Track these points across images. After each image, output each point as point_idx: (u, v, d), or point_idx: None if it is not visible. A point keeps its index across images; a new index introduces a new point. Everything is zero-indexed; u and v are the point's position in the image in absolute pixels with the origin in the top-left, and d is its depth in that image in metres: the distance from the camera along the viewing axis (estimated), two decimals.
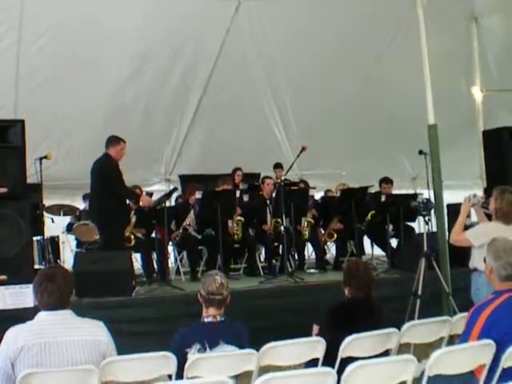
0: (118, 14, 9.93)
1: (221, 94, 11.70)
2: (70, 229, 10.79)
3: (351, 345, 4.33)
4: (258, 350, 4.20)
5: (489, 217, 6.49)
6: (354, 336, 4.34)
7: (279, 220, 9.81)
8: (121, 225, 8.71)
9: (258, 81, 11.79)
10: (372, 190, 10.75)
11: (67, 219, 11.01)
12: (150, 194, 10.75)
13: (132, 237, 9.19)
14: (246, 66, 11.41)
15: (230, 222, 9.97)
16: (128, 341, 5.73)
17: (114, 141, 8.48)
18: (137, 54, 10.56)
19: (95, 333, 3.92)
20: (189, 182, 11.51)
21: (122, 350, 4.10)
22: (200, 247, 10.02)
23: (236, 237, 9.98)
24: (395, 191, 11.17)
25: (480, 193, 10.53)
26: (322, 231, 10.87)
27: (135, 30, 10.26)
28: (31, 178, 8.20)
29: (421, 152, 8.97)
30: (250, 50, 11.18)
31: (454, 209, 7.88)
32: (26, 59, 9.90)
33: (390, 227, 10.18)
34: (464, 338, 4.08)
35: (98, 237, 9.48)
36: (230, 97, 11.73)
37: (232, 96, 11.72)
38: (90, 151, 9.89)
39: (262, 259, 10.71)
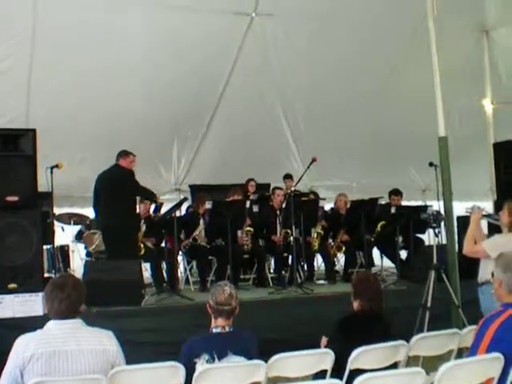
0: (130, 31, 10.01)
1: (233, 106, 11.72)
2: (79, 237, 10.82)
3: (360, 357, 4.32)
4: (266, 361, 4.19)
5: (492, 227, 6.58)
6: (363, 348, 4.33)
7: (289, 231, 9.82)
8: (133, 234, 8.80)
9: (269, 94, 11.80)
10: (382, 202, 10.75)
11: (77, 228, 11.04)
12: (161, 204, 10.78)
13: (142, 246, 9.21)
14: (258, 80, 11.42)
15: (239, 233, 9.98)
16: (136, 350, 5.74)
17: (123, 154, 8.80)
18: (149, 68, 10.57)
19: (104, 342, 3.92)
20: (199, 192, 11.54)
21: (130, 359, 4.10)
22: (210, 257, 10.02)
23: (246, 247, 9.98)
24: (405, 203, 11.17)
25: (490, 204, 10.56)
26: (332, 243, 10.85)
27: (148, 46, 10.30)
28: (42, 187, 8.23)
29: (431, 164, 8.97)
30: (262, 64, 11.19)
31: (464, 221, 7.87)
32: (38, 72, 9.94)
33: (400, 239, 10.16)
34: (473, 350, 4.06)
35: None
36: (241, 109, 11.75)
37: (244, 108, 11.74)
38: (100, 161, 9.93)
39: (272, 270, 10.71)
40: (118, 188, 8.62)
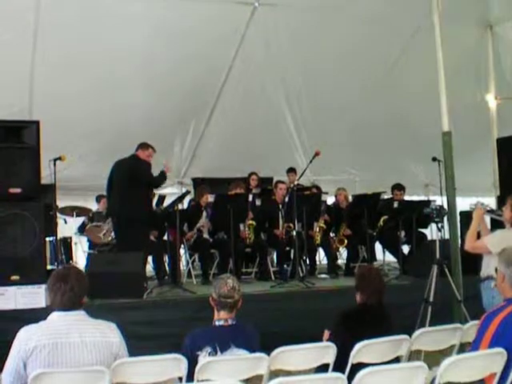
0: (131, 21, 9.95)
1: (235, 98, 11.69)
2: (81, 230, 10.83)
3: (362, 351, 4.33)
4: (268, 354, 4.20)
5: (496, 223, 6.56)
6: (365, 342, 4.33)
7: (291, 225, 9.82)
8: (144, 224, 8.83)
9: (272, 85, 11.77)
10: (384, 196, 10.74)
11: (80, 220, 11.04)
12: (163, 197, 10.78)
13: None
14: (261, 71, 11.39)
15: (241, 226, 9.97)
16: (139, 343, 5.75)
17: (143, 146, 8.93)
18: (150, 60, 10.53)
19: (107, 334, 3.93)
20: (201, 185, 11.53)
21: (133, 351, 4.11)
22: (212, 250, 10.02)
23: (248, 241, 9.98)
24: (407, 198, 11.16)
25: (493, 200, 10.55)
26: (334, 237, 10.85)
27: (149, 37, 10.26)
28: (45, 179, 8.22)
29: (434, 159, 8.95)
30: (264, 55, 11.16)
31: (467, 216, 7.87)
32: (42, 62, 9.92)
33: (403, 233, 10.15)
34: (475, 344, 4.07)
35: (110, 238, 9.56)
36: (243, 101, 11.72)
37: (246, 100, 11.70)
38: (103, 154, 9.95)
39: (274, 264, 10.70)
40: (131, 176, 8.68)
